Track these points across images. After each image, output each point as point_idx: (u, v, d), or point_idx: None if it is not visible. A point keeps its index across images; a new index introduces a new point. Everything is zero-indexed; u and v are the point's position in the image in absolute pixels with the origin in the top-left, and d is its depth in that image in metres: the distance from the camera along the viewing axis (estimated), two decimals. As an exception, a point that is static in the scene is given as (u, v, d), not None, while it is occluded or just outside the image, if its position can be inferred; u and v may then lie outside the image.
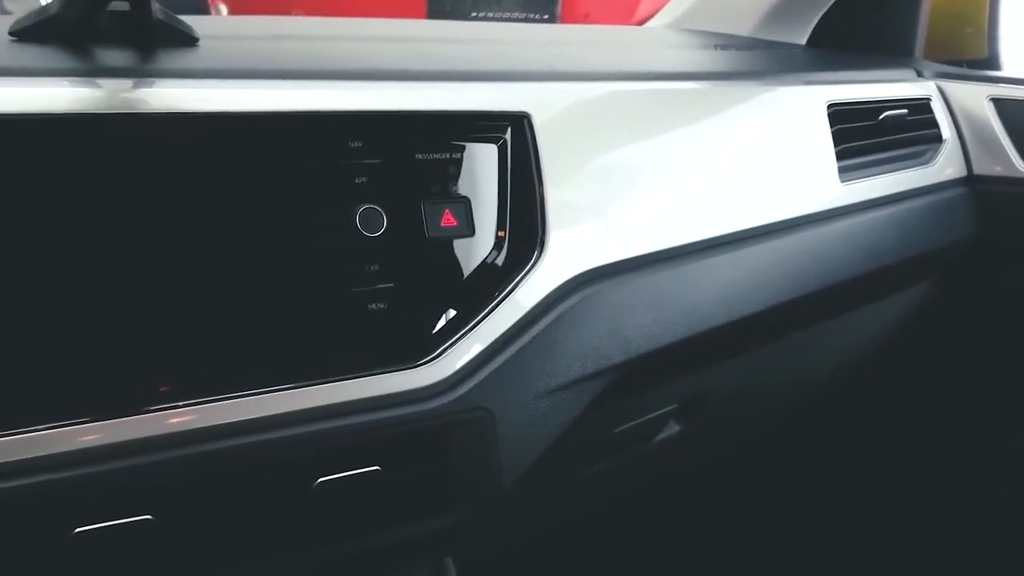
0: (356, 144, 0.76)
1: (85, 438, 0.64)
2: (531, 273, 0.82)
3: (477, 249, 0.81)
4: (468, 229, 0.80)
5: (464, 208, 0.80)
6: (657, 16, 1.63)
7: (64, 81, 0.69)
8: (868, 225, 1.17)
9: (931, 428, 1.52)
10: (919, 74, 1.38)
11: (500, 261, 0.81)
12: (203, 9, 3.11)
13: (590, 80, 0.93)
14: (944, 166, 1.33)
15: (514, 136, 0.84)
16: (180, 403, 0.67)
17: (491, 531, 0.82)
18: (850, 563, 1.51)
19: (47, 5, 0.75)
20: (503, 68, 0.90)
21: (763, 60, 1.30)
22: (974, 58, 1.63)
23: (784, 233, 1.03)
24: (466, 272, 0.80)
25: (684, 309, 0.92)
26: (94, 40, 0.74)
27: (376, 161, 0.77)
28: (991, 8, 1.64)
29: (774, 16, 1.50)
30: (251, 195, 0.72)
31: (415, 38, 1.08)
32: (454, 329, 0.78)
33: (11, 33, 0.74)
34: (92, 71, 0.71)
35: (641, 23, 1.67)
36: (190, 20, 0.82)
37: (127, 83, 0.72)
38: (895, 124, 1.26)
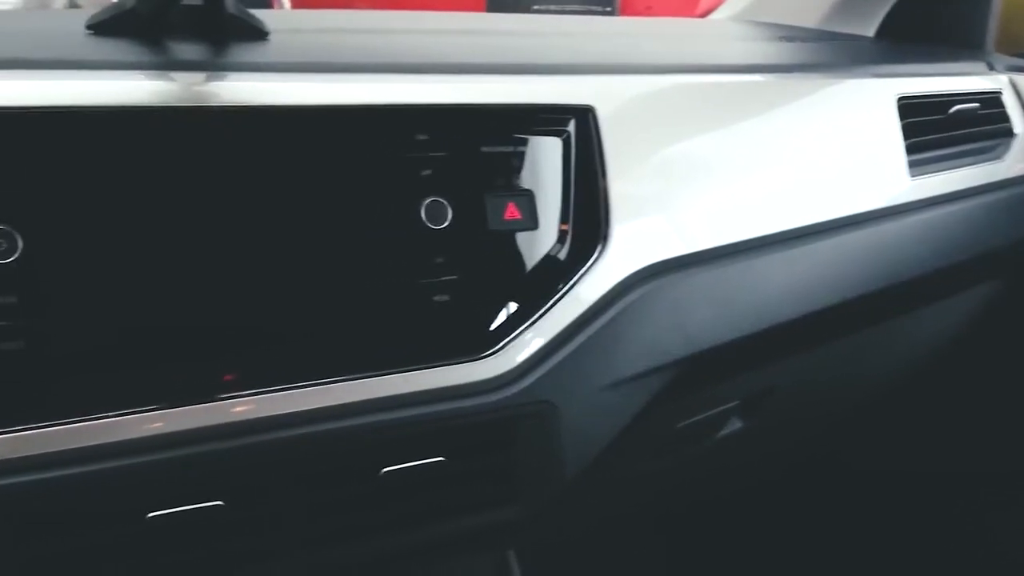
0: (422, 137, 0.77)
1: (158, 425, 0.65)
2: (594, 267, 0.81)
3: (540, 242, 0.81)
4: (532, 222, 0.80)
5: (528, 201, 0.80)
6: (721, 8, 1.61)
7: (139, 74, 0.71)
8: (938, 221, 1.14)
9: (1000, 426, 1.49)
10: (990, 67, 1.35)
11: (563, 255, 0.81)
12: (266, 4, 3.15)
13: (654, 73, 0.93)
14: (1015, 161, 1.29)
15: (578, 129, 0.84)
16: (250, 392, 0.68)
17: (552, 524, 0.82)
18: (917, 561, 1.49)
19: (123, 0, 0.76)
20: (567, 61, 0.90)
21: (830, 52, 1.28)
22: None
23: (852, 228, 1.02)
24: (529, 265, 0.80)
25: (749, 305, 0.91)
26: (168, 34, 0.76)
27: (442, 154, 0.77)
28: (1067, -1, 1.59)
29: (841, 8, 1.47)
30: (319, 187, 0.73)
31: (478, 31, 1.08)
32: (517, 322, 0.78)
33: (88, 27, 0.76)
34: (166, 64, 0.73)
35: (704, 15, 1.65)
36: (258, 14, 0.83)
37: (200, 76, 0.73)
38: (965, 118, 1.23)
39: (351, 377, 0.71)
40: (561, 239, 0.82)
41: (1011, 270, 1.37)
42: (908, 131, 1.12)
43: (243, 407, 0.68)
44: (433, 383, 0.74)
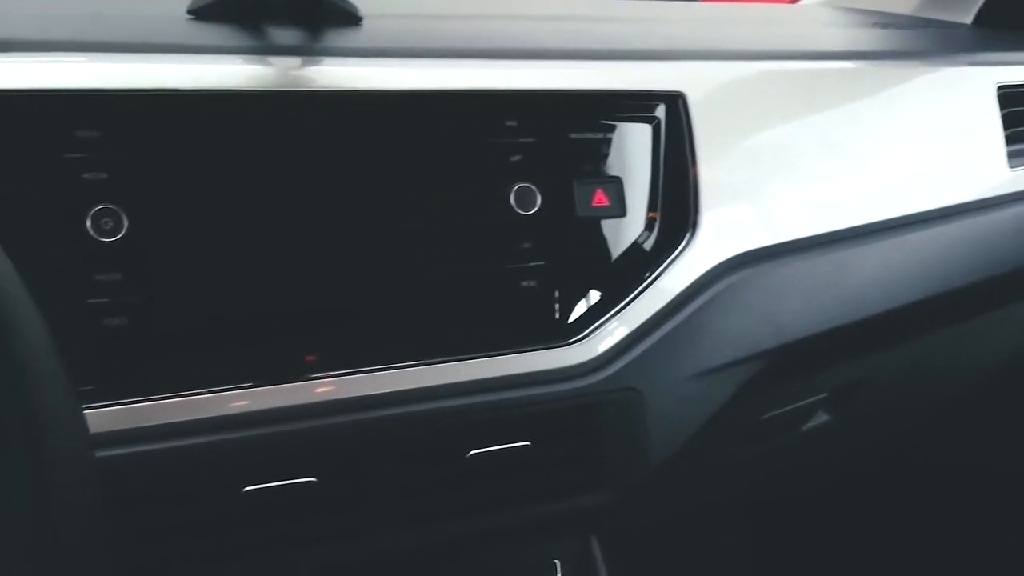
0: (512, 123, 0.77)
1: (255, 402, 0.67)
2: (682, 255, 0.81)
3: (628, 229, 0.81)
4: (619, 209, 0.80)
5: (616, 188, 0.80)
6: (811, -7, 1.58)
7: (239, 59, 0.72)
8: (1038, 213, 1.10)
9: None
10: (1096, 55, 1.29)
11: (651, 242, 0.81)
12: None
13: (745, 59, 0.91)
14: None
15: (668, 115, 0.83)
16: (342, 372, 0.69)
17: (636, 512, 0.81)
18: (997, 554, 1.44)
19: (223, -15, 0.78)
20: (657, 47, 0.89)
21: (926, 39, 1.25)
22: None
23: (947, 220, 0.99)
24: (616, 252, 0.80)
25: (840, 296, 0.90)
26: (266, 19, 0.77)
27: (531, 140, 0.77)
28: None
29: (937, -7, 1.43)
30: (411, 172, 0.74)
31: (568, 17, 1.07)
32: (604, 309, 0.78)
33: (189, 12, 0.77)
34: (264, 49, 0.74)
35: (795, 0, 1.62)
36: (351, -1, 0.84)
37: (296, 61, 0.74)
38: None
39: (439, 360, 0.72)
40: (649, 227, 0.81)
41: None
42: (1008, 121, 1.08)
43: (335, 387, 0.69)
44: (519, 368, 0.74)
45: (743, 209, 0.85)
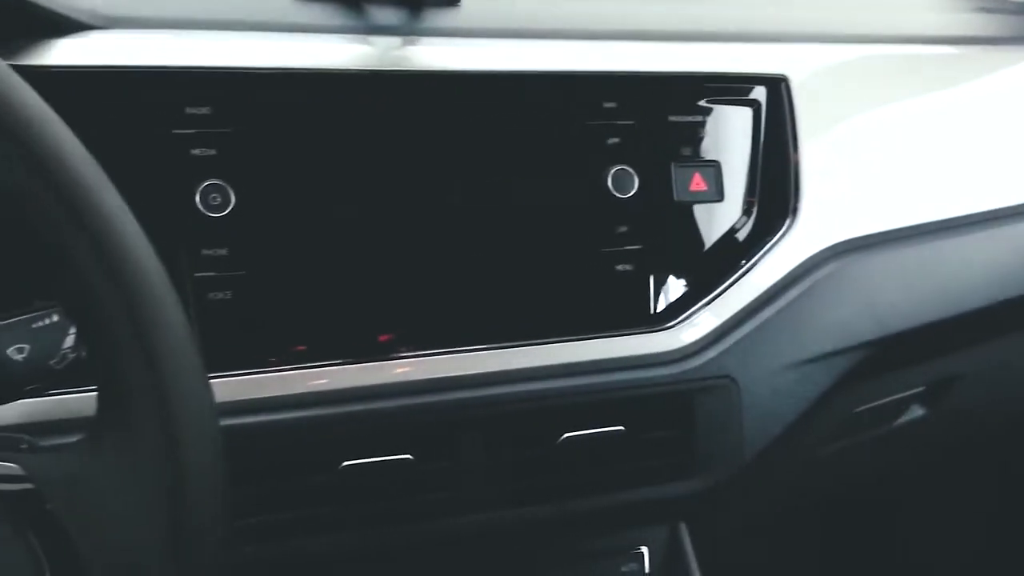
0: (610, 105, 0.76)
1: (354, 378, 0.68)
2: (781, 242, 0.80)
3: (725, 214, 0.80)
4: (717, 194, 0.79)
5: (714, 172, 0.79)
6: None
7: (341, 39, 0.73)
8: None
9: None
10: None
11: (749, 228, 0.80)
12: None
13: (850, 42, 0.89)
14: None
15: (769, 99, 0.82)
16: (439, 351, 0.70)
17: (725, 504, 0.81)
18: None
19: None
20: (759, 29, 0.87)
21: (1036, 23, 1.20)
22: None
23: (1058, 211, 0.95)
24: (713, 237, 0.79)
25: (940, 287, 0.87)
26: None
27: (629, 122, 0.77)
28: None
29: (1045, -25, 1.37)
30: (507, 152, 0.74)
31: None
32: (700, 295, 0.77)
33: (294, -10, 0.78)
34: (365, 29, 0.75)
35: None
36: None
37: (396, 41, 0.75)
38: None
39: (534, 342, 0.72)
40: (747, 212, 0.80)
41: None
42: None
43: (432, 365, 0.69)
44: (614, 352, 0.74)
45: (844, 196, 0.83)
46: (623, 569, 0.79)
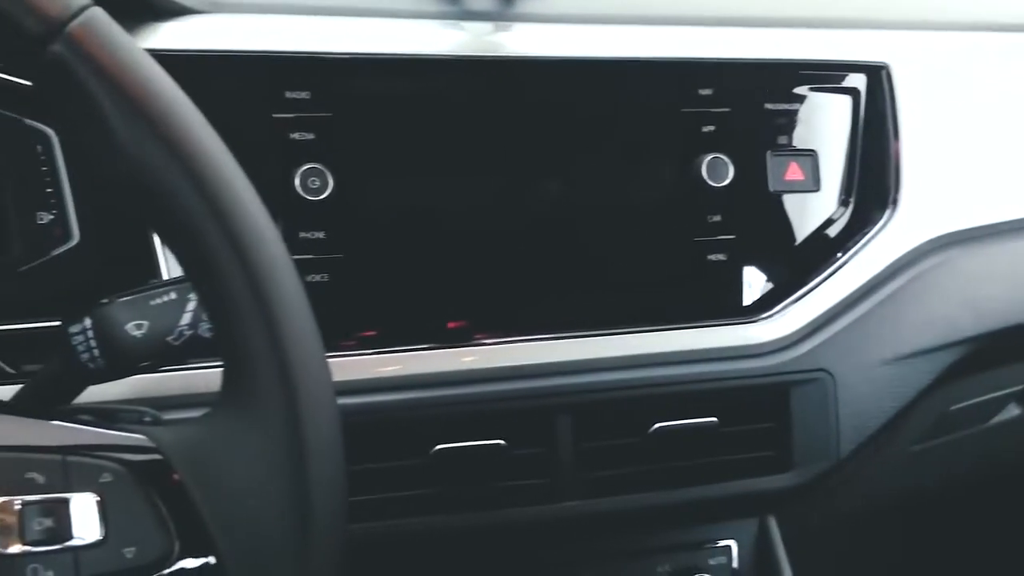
0: (706, 92, 0.75)
1: (446, 362, 0.68)
2: (880, 233, 0.78)
3: (822, 205, 0.78)
4: (814, 183, 0.78)
5: (811, 162, 0.78)
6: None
7: (437, 24, 0.73)
8: None
9: None
10: None
11: (846, 219, 0.78)
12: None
13: (954, 29, 0.86)
14: None
15: (870, 88, 0.80)
16: (532, 337, 0.70)
17: (817, 501, 0.79)
18: None
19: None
20: (859, 15, 0.85)
21: None
22: None
23: None
24: (810, 228, 0.77)
25: (1048, 283, 0.84)
26: None
27: (725, 110, 0.75)
28: None
29: None
30: (602, 140, 0.73)
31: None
32: (795, 286, 0.76)
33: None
34: (459, 14, 0.75)
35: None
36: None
37: (490, 27, 0.75)
38: None
39: (625, 330, 0.72)
40: (844, 203, 0.79)
41: None
42: None
43: (525, 352, 0.69)
44: (707, 342, 0.73)
45: (946, 188, 0.81)
46: (711, 562, 0.78)
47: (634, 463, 0.72)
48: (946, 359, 0.80)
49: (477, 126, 0.71)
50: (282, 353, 0.38)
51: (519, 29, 0.75)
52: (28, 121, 0.64)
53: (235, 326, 0.38)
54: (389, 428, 0.67)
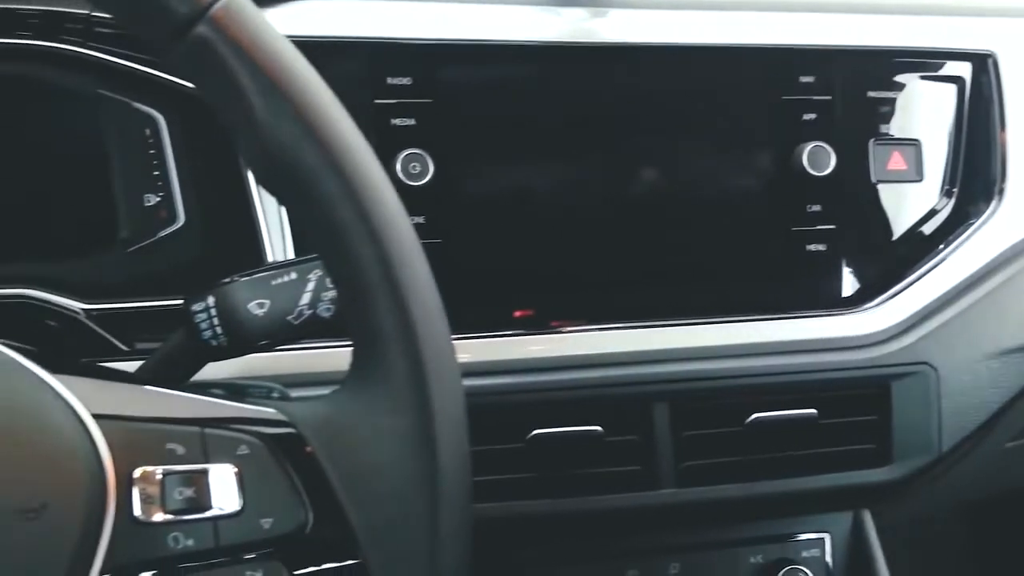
0: (807, 79, 0.74)
1: (546, 348, 0.68)
2: (985, 225, 0.77)
3: (925, 195, 0.77)
4: (917, 174, 0.76)
5: (914, 151, 0.76)
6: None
7: (535, 10, 0.73)
8: None
9: None
10: None
11: (950, 210, 0.77)
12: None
13: (1064, 16, 0.84)
14: None
15: (975, 76, 0.79)
16: (629, 324, 0.70)
17: (913, 497, 0.78)
18: None
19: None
20: (964, 2, 0.83)
21: None
22: None
23: None
24: (912, 219, 0.76)
25: None
26: None
27: (827, 98, 0.74)
28: None
29: None
30: (701, 127, 0.73)
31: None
32: (897, 278, 0.75)
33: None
34: (558, 1, 0.74)
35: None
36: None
37: (583, 13, 0.74)
38: None
39: (723, 320, 0.72)
40: (948, 194, 0.77)
41: None
42: None
43: (623, 339, 0.70)
44: (807, 333, 0.72)
45: (1055, 179, 0.79)
46: (804, 554, 0.77)
47: (730, 453, 0.72)
48: (1049, 355, 0.78)
49: (576, 113, 0.71)
50: (413, 333, 0.39)
51: (618, 15, 0.75)
52: (136, 105, 0.65)
53: (367, 305, 0.39)
54: (487, 412, 0.67)
